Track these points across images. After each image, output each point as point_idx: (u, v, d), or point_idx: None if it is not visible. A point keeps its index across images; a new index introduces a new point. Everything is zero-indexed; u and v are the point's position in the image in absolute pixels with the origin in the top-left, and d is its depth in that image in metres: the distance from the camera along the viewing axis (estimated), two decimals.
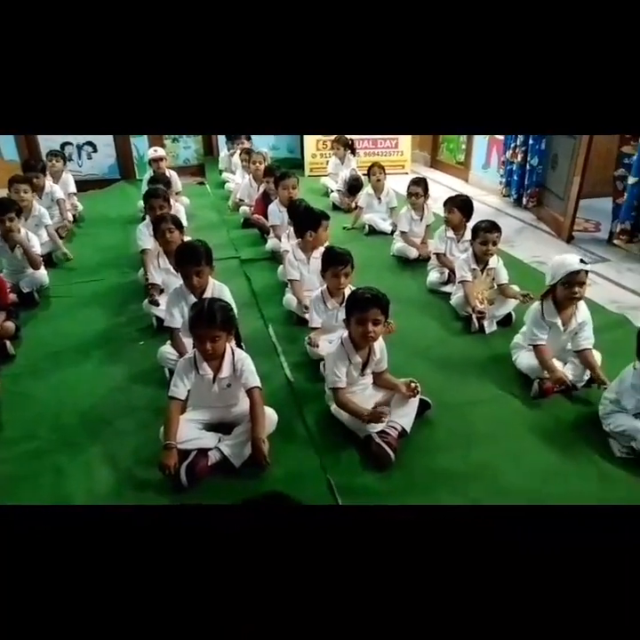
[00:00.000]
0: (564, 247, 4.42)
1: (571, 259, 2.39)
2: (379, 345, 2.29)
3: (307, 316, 2.89)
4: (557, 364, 2.53)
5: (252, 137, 6.58)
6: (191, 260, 2.52)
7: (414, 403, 2.26)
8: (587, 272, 2.39)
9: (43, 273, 3.61)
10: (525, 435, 2.28)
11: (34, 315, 3.39)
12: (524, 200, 5.27)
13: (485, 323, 3.04)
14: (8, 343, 2.92)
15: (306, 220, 3.22)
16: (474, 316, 3.04)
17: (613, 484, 2.02)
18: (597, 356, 2.54)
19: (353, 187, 5.27)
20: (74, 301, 3.58)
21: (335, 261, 2.66)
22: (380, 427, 2.18)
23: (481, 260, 3.12)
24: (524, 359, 2.57)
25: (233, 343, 2.22)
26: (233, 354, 2.15)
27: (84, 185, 5.96)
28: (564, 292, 2.40)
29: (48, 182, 4.70)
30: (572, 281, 2.37)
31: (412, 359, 2.79)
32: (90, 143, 6.29)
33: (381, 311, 2.15)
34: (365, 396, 2.32)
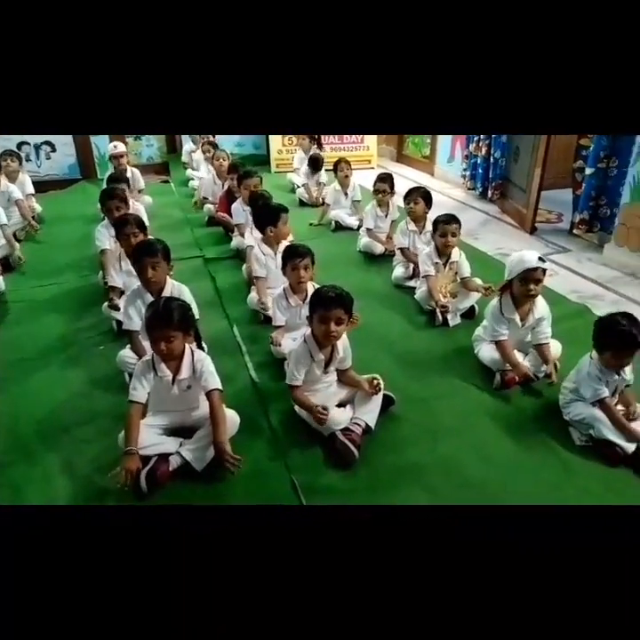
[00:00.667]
0: (527, 239, 4.49)
1: (529, 255, 2.41)
2: (342, 343, 2.28)
3: (270, 313, 2.87)
4: (518, 355, 2.56)
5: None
6: (147, 252, 2.50)
7: (378, 399, 2.26)
8: (544, 270, 2.41)
9: None
10: (489, 426, 2.30)
11: None
12: (489, 193, 5.33)
13: (449, 316, 3.06)
14: None
15: (265, 216, 3.20)
16: (437, 310, 3.06)
17: (573, 472, 2.06)
18: (557, 347, 2.59)
19: (314, 160, 5.28)
20: (32, 306, 3.48)
21: (293, 255, 2.65)
22: (344, 423, 2.17)
23: (443, 253, 3.14)
24: (486, 352, 2.60)
25: (193, 344, 2.18)
26: (192, 354, 2.12)
27: (43, 186, 5.80)
28: (520, 288, 2.42)
29: (4, 181, 4.55)
30: (529, 277, 2.38)
31: (376, 354, 2.79)
32: (48, 143, 6.11)
33: (344, 310, 2.14)
34: (329, 393, 2.31)
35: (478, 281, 3.16)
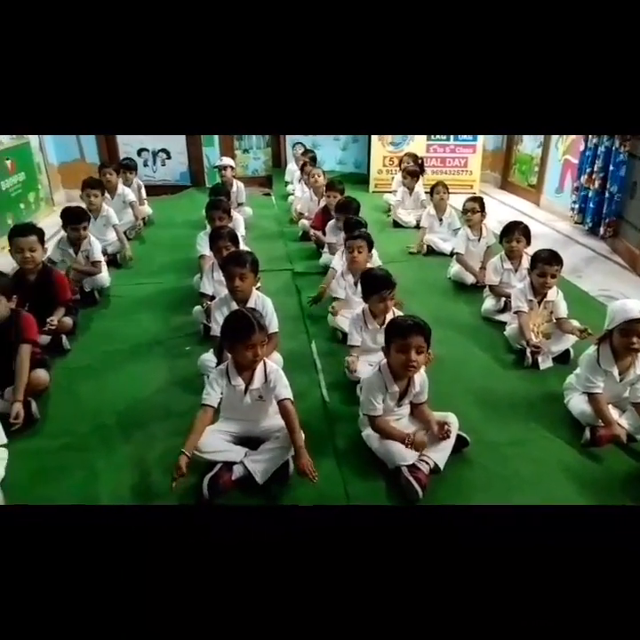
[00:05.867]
0: (637, 282, 4.11)
1: (632, 305, 2.19)
2: (419, 376, 2.19)
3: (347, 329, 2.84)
4: (614, 412, 2.32)
5: (321, 150, 6.65)
6: (236, 263, 2.61)
7: (451, 439, 2.15)
8: None
9: (104, 275, 3.77)
10: (570, 485, 2.10)
11: (92, 313, 3.54)
12: (601, 229, 4.96)
13: (540, 358, 2.85)
14: (64, 338, 3.06)
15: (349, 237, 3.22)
16: (528, 350, 2.87)
17: None
18: None
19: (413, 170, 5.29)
20: (131, 302, 3.71)
21: (380, 286, 2.59)
22: (411, 459, 2.08)
23: (539, 291, 2.94)
24: (577, 403, 2.38)
25: None
26: (265, 364, 2.15)
27: (156, 190, 6.24)
28: (621, 340, 2.20)
29: (120, 185, 4.94)
30: (631, 330, 2.16)
31: (455, 389, 2.67)
32: (164, 150, 6.57)
33: (424, 339, 2.06)
34: (399, 426, 2.23)
35: (575, 323, 2.93)
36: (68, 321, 3.15)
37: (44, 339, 2.89)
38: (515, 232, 3.35)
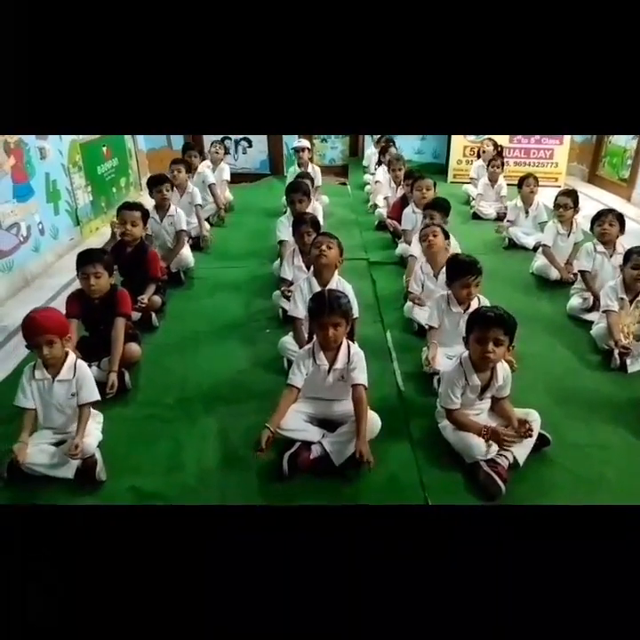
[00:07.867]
0: None
1: None
2: (502, 370, 2.16)
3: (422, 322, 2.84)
4: None
5: (399, 140, 6.58)
6: (325, 233, 2.76)
7: (533, 436, 2.10)
8: None
9: (188, 255, 3.96)
10: None
11: (178, 293, 3.72)
12: None
13: (628, 360, 2.72)
14: (154, 315, 3.25)
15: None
16: (616, 351, 2.74)
17: None
18: None
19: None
20: (214, 285, 3.87)
21: (464, 271, 2.56)
22: (489, 454, 2.06)
23: (631, 288, 2.79)
24: None
25: None
26: (348, 346, 2.20)
27: (237, 177, 6.39)
28: None
29: (202, 165, 5.10)
30: None
31: (536, 388, 2.60)
32: (246, 139, 6.73)
33: (505, 332, 2.03)
34: (479, 421, 2.20)
35: None
36: (158, 300, 3.34)
37: (135, 315, 3.07)
38: (607, 215, 3.23)
